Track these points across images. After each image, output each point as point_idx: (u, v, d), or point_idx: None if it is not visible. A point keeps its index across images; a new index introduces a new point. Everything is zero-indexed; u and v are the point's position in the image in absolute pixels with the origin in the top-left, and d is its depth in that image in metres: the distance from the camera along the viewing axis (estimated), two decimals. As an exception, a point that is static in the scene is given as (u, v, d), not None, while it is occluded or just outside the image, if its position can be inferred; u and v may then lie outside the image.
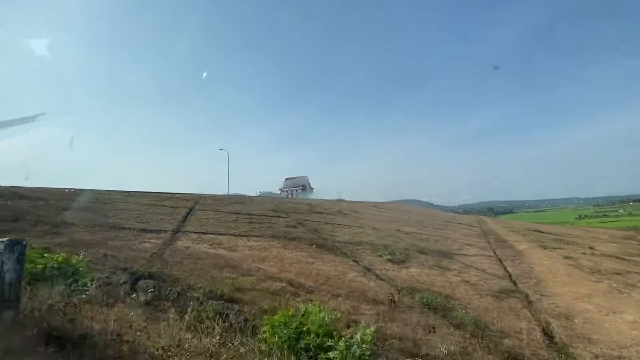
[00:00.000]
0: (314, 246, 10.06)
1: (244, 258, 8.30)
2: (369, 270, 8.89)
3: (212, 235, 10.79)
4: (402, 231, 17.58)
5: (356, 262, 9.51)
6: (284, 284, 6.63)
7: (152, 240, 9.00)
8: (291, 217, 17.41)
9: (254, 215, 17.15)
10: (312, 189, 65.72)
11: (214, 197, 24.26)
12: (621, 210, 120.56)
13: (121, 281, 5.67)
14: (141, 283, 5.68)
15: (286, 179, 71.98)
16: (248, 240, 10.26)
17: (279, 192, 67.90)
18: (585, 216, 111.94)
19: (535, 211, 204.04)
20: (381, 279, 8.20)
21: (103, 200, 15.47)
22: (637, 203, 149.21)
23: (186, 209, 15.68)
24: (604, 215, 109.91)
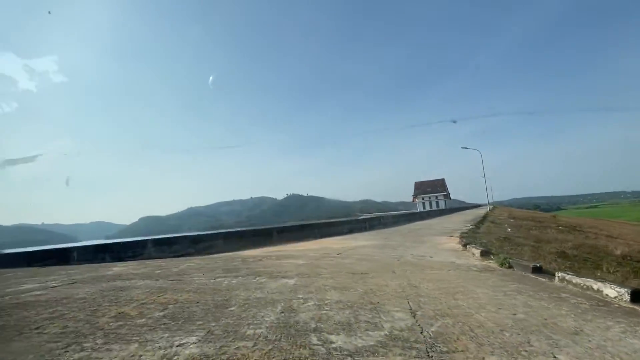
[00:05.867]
0: None
1: None
2: None
3: None
4: None
5: None
6: None
7: None
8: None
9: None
10: (449, 194, 53.65)
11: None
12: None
13: None
14: None
15: (417, 184, 54.78)
16: None
17: (412, 200, 54.32)
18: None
19: (587, 207, 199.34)
20: None
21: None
22: None
23: None
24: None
